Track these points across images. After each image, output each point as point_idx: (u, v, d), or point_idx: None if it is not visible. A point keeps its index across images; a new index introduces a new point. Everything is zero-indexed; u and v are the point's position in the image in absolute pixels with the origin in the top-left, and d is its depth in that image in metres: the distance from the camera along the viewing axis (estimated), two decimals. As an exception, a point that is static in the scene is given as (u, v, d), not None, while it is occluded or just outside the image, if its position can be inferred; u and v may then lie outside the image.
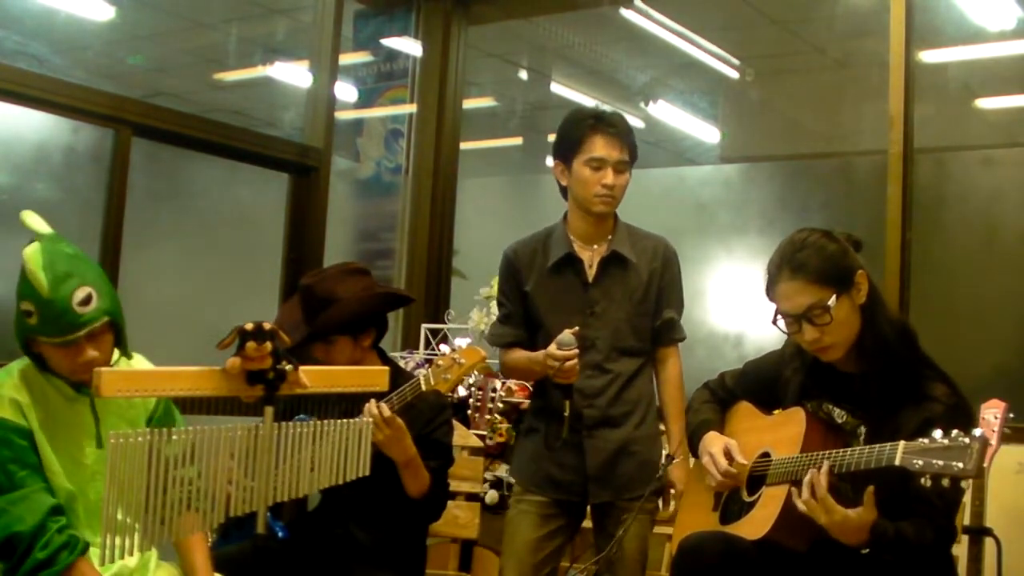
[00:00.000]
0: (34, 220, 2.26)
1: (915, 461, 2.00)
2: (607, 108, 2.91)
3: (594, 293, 2.84)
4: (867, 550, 2.15)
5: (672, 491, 2.85)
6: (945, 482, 1.96)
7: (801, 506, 2.14)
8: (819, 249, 2.29)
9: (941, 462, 1.96)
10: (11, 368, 2.29)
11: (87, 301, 2.20)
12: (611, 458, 2.82)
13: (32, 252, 2.21)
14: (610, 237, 2.88)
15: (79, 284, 2.20)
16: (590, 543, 3.00)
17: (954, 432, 1.97)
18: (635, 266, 2.87)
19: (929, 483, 1.98)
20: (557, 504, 2.85)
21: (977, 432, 1.96)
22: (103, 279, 2.29)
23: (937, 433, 2.00)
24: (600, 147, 2.78)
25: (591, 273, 2.85)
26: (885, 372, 2.29)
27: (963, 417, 2.19)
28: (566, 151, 2.83)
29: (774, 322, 2.35)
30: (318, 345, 2.79)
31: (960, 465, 1.94)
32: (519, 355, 2.89)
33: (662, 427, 2.96)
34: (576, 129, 2.82)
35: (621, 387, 2.84)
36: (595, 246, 2.88)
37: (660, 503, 2.87)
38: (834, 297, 2.25)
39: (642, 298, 2.88)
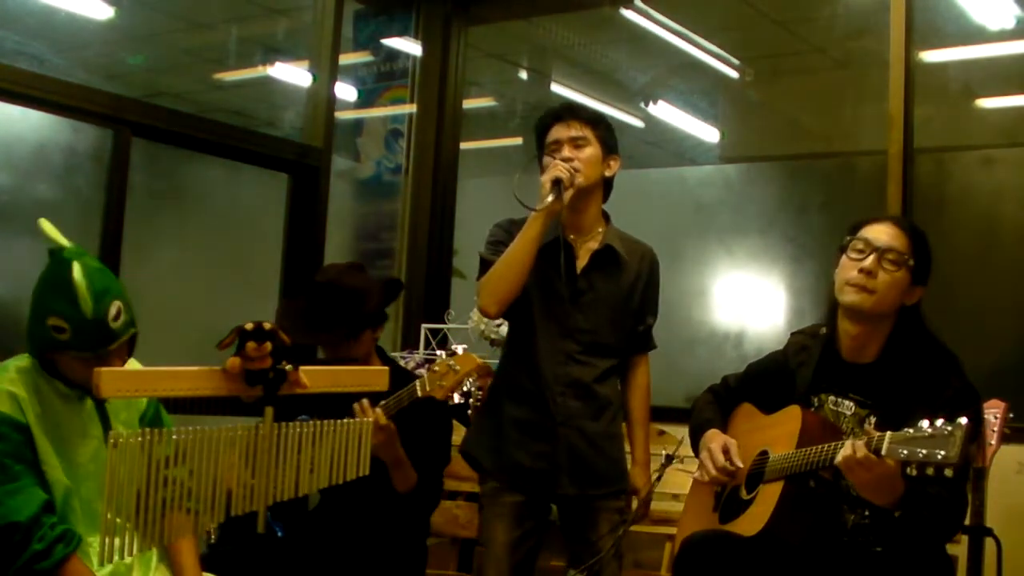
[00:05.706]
0: (53, 230, 2.21)
1: (901, 451, 2.01)
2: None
3: (581, 283, 2.85)
4: (899, 512, 2.15)
5: (635, 497, 2.88)
6: (930, 470, 1.96)
7: (841, 463, 2.13)
8: (926, 241, 2.42)
9: (925, 451, 1.97)
10: (7, 364, 2.28)
11: (118, 315, 2.21)
12: (583, 451, 2.82)
13: (79, 273, 2.16)
14: (600, 231, 2.89)
15: (112, 299, 2.20)
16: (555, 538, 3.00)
17: (939, 421, 1.97)
18: (626, 265, 2.88)
19: (915, 472, 1.99)
20: (528, 504, 2.84)
21: (962, 420, 1.95)
22: (123, 288, 2.28)
23: (924, 422, 2.00)
24: (554, 133, 2.86)
25: (579, 264, 2.86)
26: (905, 366, 2.31)
27: (966, 402, 2.20)
28: (539, 154, 2.91)
29: (841, 248, 2.41)
30: (347, 342, 2.80)
31: (943, 453, 1.94)
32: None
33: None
34: (538, 132, 2.92)
35: (594, 380, 2.84)
36: (586, 239, 2.88)
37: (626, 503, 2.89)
38: (910, 265, 2.34)
39: (627, 298, 2.89)
